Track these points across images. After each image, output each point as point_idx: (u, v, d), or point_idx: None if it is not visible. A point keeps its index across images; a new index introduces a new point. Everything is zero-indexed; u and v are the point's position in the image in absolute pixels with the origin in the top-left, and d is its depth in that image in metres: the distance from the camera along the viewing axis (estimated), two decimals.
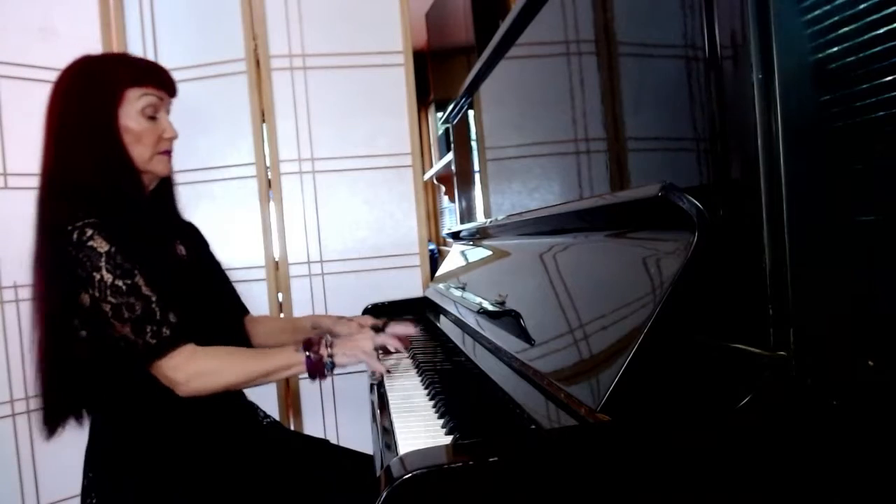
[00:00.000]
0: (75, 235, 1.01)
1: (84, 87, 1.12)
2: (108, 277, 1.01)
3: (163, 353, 1.02)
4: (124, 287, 1.01)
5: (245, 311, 1.42)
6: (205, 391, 1.05)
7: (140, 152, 1.13)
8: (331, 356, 1.07)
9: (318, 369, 1.07)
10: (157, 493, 1.04)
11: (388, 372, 1.12)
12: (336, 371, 1.09)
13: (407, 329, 1.13)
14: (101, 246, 1.02)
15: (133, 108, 1.12)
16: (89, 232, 1.02)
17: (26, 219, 1.84)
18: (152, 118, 1.14)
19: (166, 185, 1.25)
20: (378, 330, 1.14)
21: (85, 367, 1.06)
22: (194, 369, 1.03)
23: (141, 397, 1.04)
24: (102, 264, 1.01)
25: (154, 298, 1.03)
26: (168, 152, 1.18)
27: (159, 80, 1.17)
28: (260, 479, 1.09)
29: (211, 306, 1.18)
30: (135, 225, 1.09)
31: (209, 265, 1.32)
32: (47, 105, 1.13)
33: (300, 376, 1.69)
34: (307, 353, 1.07)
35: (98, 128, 1.11)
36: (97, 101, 1.11)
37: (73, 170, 1.09)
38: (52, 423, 1.09)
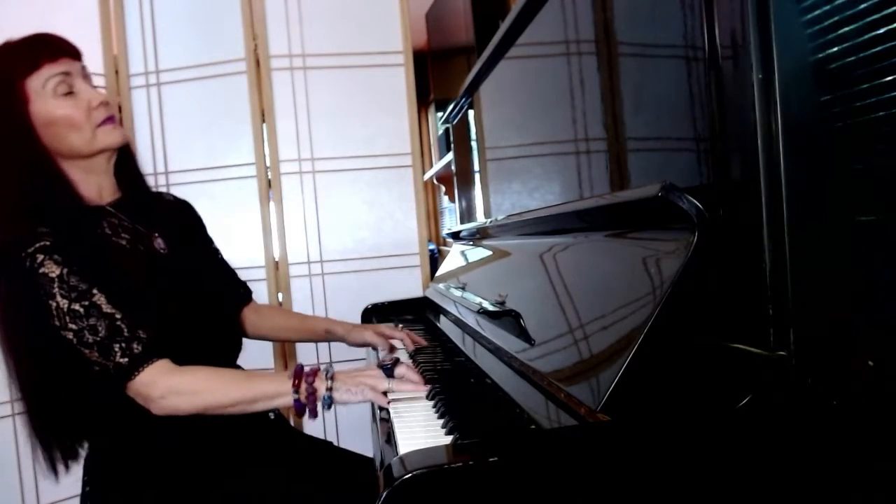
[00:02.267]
0: (27, 263, 0.94)
1: None
2: (64, 303, 0.94)
3: (135, 371, 0.95)
4: (82, 310, 0.94)
5: (245, 298, 1.35)
6: (180, 411, 0.96)
7: (79, 136, 1.01)
8: (329, 390, 0.95)
9: (310, 405, 0.96)
10: (159, 493, 1.04)
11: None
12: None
13: (420, 379, 0.99)
14: (52, 271, 0.94)
15: (44, 95, 0.99)
16: (40, 258, 0.94)
17: None
18: (70, 94, 1.01)
19: (126, 164, 1.13)
20: (387, 370, 1.00)
21: (68, 396, 1.01)
22: (171, 386, 0.96)
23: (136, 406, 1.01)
24: (56, 290, 0.94)
25: (119, 315, 0.96)
26: (111, 119, 1.05)
27: (53, 52, 1.01)
28: (262, 480, 1.08)
29: (196, 302, 1.11)
30: (91, 234, 1.01)
31: (197, 252, 1.23)
32: None
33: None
34: (295, 393, 0.96)
35: (10, 135, 0.99)
36: (1, 108, 0.98)
37: (3, 186, 0.99)
38: (55, 457, 1.05)
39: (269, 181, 2.02)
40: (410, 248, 2.11)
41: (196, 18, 2.01)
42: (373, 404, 1.05)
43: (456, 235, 1.82)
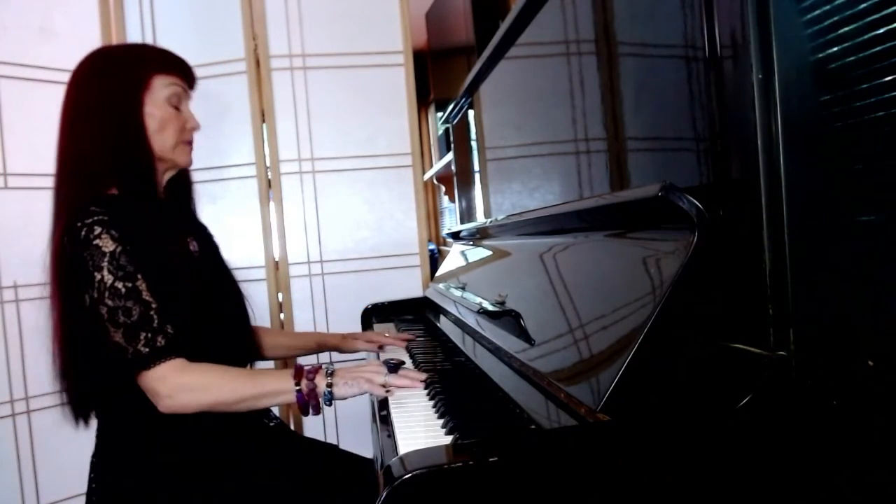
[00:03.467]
0: (83, 233, 0.98)
1: (109, 71, 1.11)
2: (109, 278, 0.98)
3: (153, 362, 0.97)
4: (123, 290, 0.98)
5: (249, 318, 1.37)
6: (188, 408, 0.99)
7: (163, 140, 1.12)
8: (330, 386, 0.98)
9: (312, 401, 0.98)
10: (163, 494, 1.04)
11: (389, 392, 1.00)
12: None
13: (420, 375, 1.01)
14: (107, 245, 0.98)
15: (159, 95, 1.12)
16: (97, 230, 0.99)
17: (26, 219, 1.85)
18: (176, 108, 1.14)
19: (183, 179, 1.24)
20: (391, 368, 1.02)
21: (92, 368, 1.04)
22: (180, 383, 0.98)
23: (147, 400, 1.01)
24: (105, 264, 0.98)
25: (154, 306, 0.99)
26: (190, 143, 1.18)
27: (185, 71, 1.17)
28: (267, 484, 1.08)
29: (220, 306, 1.15)
30: (146, 219, 1.07)
31: (220, 264, 1.27)
32: (66, 94, 1.12)
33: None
34: (297, 387, 0.99)
35: (121, 111, 1.09)
36: (122, 85, 1.10)
37: (90, 157, 1.07)
38: (77, 412, 1.08)
39: (269, 181, 2.02)
40: (410, 248, 2.11)
41: (196, 18, 2.01)
42: (372, 404, 1.05)
43: (456, 235, 1.82)
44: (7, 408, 1.74)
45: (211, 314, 1.10)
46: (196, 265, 1.15)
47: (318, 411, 1.00)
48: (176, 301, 1.03)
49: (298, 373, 1.00)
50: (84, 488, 1.11)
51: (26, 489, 1.76)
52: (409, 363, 1.24)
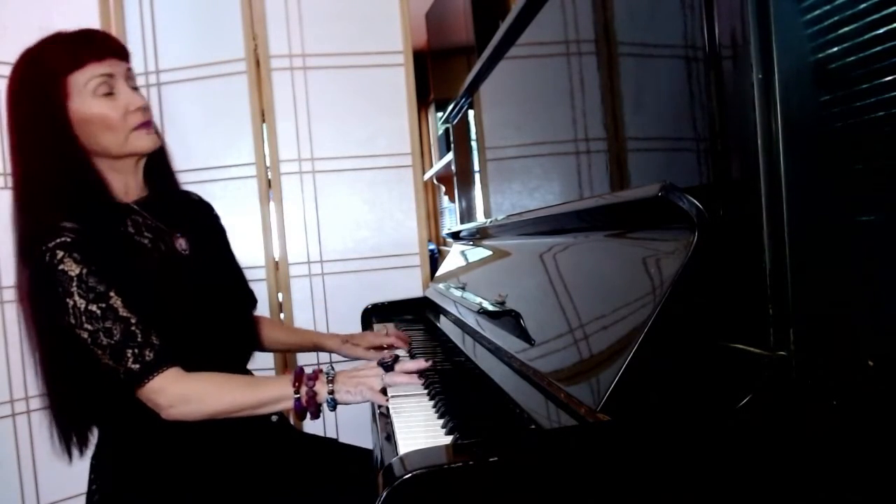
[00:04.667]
0: (47, 258, 0.95)
1: (26, 87, 1.02)
2: (81, 303, 0.95)
3: (147, 378, 0.96)
4: (99, 312, 0.95)
5: (254, 302, 1.32)
6: (189, 417, 0.98)
7: (112, 138, 1.02)
8: (332, 393, 0.97)
9: (310, 408, 0.98)
10: (165, 493, 1.04)
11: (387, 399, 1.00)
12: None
13: (419, 364, 1.02)
14: (72, 269, 0.95)
15: (84, 93, 1.00)
16: (60, 254, 0.95)
17: None
18: (109, 94, 1.01)
19: (160, 167, 1.14)
20: (387, 367, 1.02)
21: (84, 385, 1.03)
22: (178, 393, 0.97)
23: (144, 406, 1.00)
24: (74, 289, 0.94)
25: (134, 320, 0.96)
26: (146, 124, 1.05)
27: (100, 51, 1.02)
28: (267, 480, 1.08)
29: (214, 304, 1.12)
30: (118, 231, 1.02)
31: (217, 254, 1.22)
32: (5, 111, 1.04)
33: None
34: (296, 395, 0.98)
35: (49, 130, 1.00)
36: (41, 100, 1.00)
37: (37, 178, 1.01)
38: (66, 434, 1.06)
39: (269, 181, 2.02)
40: (410, 248, 2.11)
41: (196, 18, 2.01)
42: (372, 403, 1.05)
43: (456, 235, 1.82)
44: (7, 408, 1.74)
45: (203, 313, 1.08)
46: (185, 264, 1.10)
47: (315, 417, 0.99)
48: (160, 309, 1.01)
49: (298, 378, 0.99)
50: (84, 488, 1.11)
51: (26, 489, 1.76)
52: (405, 356, 1.24)
